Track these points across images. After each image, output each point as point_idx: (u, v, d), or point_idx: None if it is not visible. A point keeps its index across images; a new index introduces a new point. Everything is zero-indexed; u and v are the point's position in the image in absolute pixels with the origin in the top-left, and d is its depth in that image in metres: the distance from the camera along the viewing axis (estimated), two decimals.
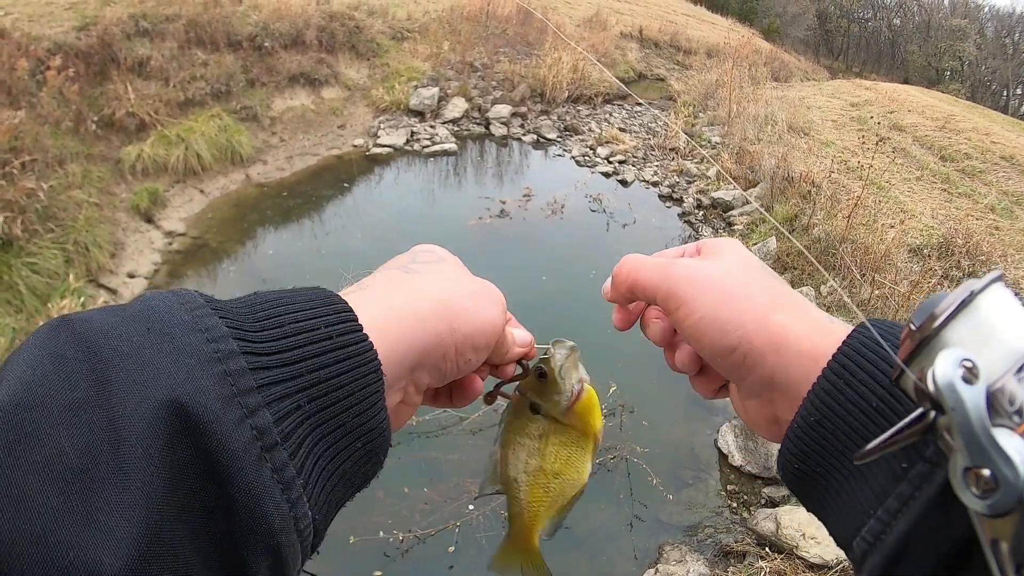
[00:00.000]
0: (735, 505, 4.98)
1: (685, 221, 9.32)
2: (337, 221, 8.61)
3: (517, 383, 0.72)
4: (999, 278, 0.41)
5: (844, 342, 0.48)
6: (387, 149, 10.06)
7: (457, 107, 11.31)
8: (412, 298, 0.53)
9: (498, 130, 11.30)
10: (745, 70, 15.33)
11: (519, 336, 0.66)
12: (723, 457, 5.32)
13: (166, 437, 0.35)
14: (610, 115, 13.12)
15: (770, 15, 37.25)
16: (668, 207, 9.82)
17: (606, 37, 15.98)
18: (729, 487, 5.12)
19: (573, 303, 6.79)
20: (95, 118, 8.11)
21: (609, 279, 0.65)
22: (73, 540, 0.31)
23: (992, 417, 0.37)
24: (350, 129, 10.42)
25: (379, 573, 4.26)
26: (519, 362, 0.69)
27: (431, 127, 10.80)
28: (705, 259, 0.61)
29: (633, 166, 10.85)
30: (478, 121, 11.46)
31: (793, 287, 0.56)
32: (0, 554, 0.30)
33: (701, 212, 9.51)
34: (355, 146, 10.11)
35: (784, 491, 4.98)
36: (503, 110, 11.60)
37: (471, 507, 4.62)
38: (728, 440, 5.34)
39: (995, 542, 0.36)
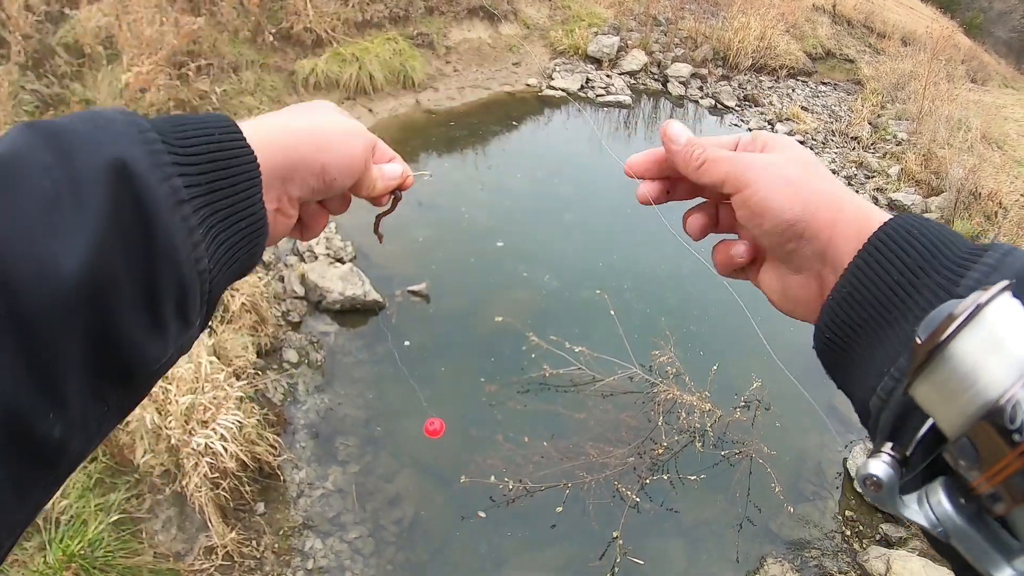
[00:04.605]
0: (849, 533, 4.69)
1: None
2: (501, 156, 8.53)
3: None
4: (1006, 288, 0.41)
5: (880, 228, 0.53)
6: (560, 92, 9.82)
7: (636, 59, 10.85)
8: (285, 123, 0.64)
9: (675, 89, 10.79)
10: (942, 65, 14.10)
11: (388, 170, 0.74)
12: (849, 479, 5.00)
13: (113, 183, 0.45)
14: (793, 90, 12.29)
15: (973, 8, 34.58)
16: None
17: (797, 7, 14.95)
18: (848, 512, 4.82)
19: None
20: (273, 30, 8.35)
21: (641, 154, 0.73)
22: (45, 241, 0.41)
23: (958, 462, 0.41)
24: (524, 68, 10.27)
25: (483, 515, 4.31)
26: (393, 192, 0.77)
27: (607, 76, 10.45)
28: (767, 153, 0.65)
29: (811, 149, 10.07)
30: (656, 77, 10.98)
31: None
32: None
33: None
34: (528, 85, 9.95)
35: (901, 532, 4.67)
36: (683, 69, 11.04)
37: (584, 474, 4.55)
38: (859, 461, 4.91)
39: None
